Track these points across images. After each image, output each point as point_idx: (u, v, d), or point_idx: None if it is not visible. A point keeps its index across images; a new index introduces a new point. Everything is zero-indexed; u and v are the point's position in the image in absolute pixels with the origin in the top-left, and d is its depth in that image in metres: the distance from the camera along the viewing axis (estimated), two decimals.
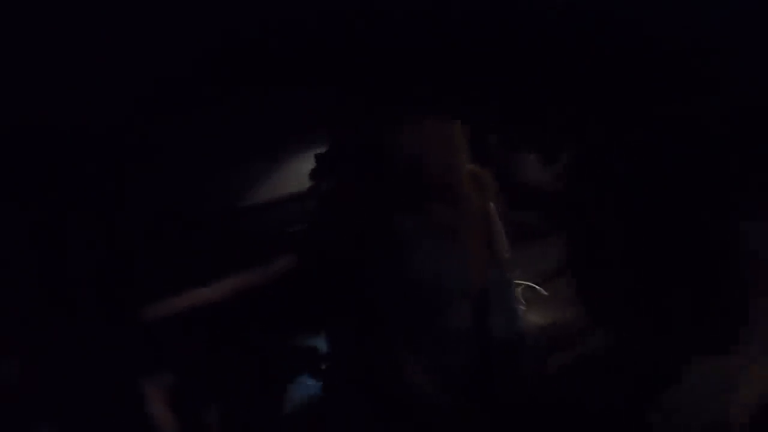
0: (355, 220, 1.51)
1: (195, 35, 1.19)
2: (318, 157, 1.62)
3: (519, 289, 1.65)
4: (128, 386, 1.48)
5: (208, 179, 1.65)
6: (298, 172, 1.67)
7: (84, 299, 1.50)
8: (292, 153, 1.71)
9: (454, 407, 1.36)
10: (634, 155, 1.21)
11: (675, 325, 1.18)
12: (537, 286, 1.67)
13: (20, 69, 1.13)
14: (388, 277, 1.44)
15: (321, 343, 1.63)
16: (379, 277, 1.45)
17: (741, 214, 1.13)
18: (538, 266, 1.70)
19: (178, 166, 1.57)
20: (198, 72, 1.24)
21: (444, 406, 1.37)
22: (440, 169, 1.47)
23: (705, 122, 1.12)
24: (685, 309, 1.16)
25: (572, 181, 1.41)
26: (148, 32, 1.16)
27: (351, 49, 1.22)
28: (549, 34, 1.09)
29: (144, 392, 1.48)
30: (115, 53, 1.18)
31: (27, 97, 1.22)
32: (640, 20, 1.05)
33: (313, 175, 1.64)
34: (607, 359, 1.31)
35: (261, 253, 1.65)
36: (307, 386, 1.63)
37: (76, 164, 1.44)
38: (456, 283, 1.44)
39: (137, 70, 1.26)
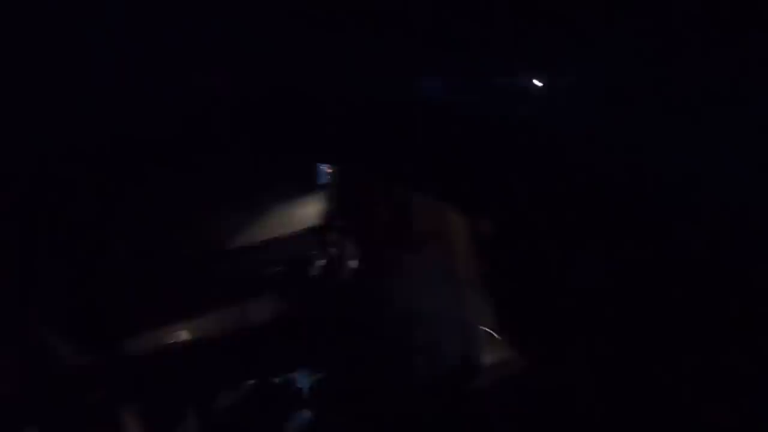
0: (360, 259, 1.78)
1: (182, 96, 1.31)
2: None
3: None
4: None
5: (194, 224, 1.75)
6: (279, 219, 1.82)
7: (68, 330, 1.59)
8: (271, 202, 1.85)
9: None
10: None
11: None
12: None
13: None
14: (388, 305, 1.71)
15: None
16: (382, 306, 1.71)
17: None
18: None
19: (165, 210, 1.68)
20: (188, 128, 1.36)
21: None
22: (427, 215, 1.75)
23: None
24: None
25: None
26: (142, 91, 1.28)
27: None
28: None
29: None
30: (108, 107, 1.28)
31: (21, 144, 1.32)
32: None
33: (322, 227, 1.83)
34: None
35: (243, 294, 1.78)
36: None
37: (64, 206, 1.54)
38: (443, 308, 1.70)
39: (129, 123, 1.37)
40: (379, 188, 1.84)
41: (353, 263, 1.83)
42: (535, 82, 1.11)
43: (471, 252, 1.73)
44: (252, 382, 1.74)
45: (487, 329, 1.73)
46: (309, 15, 1.25)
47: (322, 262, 1.85)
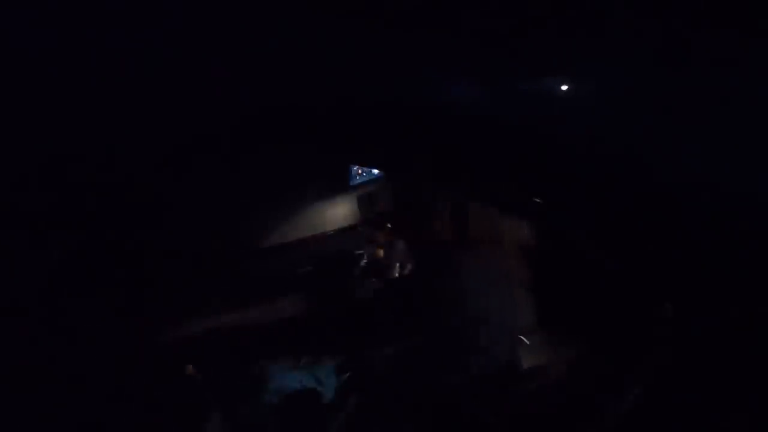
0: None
1: (224, 104, 1.43)
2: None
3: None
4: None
5: (232, 222, 1.83)
6: (312, 219, 1.89)
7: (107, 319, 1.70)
8: (307, 203, 1.91)
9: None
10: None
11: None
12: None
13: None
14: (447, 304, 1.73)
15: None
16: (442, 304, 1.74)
17: None
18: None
19: (203, 209, 1.77)
20: (231, 133, 1.47)
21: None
22: (480, 218, 1.78)
23: None
24: None
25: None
26: (186, 101, 1.40)
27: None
28: None
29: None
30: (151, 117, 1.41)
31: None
32: None
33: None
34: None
35: (289, 290, 1.84)
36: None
37: (114, 203, 1.67)
38: (491, 310, 1.70)
39: (174, 130, 1.49)
40: (434, 190, 1.88)
41: (405, 262, 1.87)
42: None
43: (521, 256, 1.74)
44: (285, 380, 1.75)
45: (522, 337, 1.75)
46: (345, 22, 1.34)
47: (372, 260, 1.90)
